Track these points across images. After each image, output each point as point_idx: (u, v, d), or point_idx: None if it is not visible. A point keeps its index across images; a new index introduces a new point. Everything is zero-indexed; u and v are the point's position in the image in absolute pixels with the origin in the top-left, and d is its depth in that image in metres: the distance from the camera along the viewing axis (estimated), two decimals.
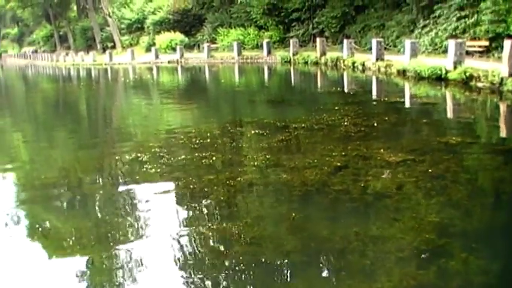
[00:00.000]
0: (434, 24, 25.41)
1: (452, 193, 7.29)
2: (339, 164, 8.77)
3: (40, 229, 7.01)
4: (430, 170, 8.19)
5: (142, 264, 5.70)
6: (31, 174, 10.28)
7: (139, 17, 56.45)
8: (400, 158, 8.90)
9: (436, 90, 18.04)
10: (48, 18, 75.98)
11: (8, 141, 14.56)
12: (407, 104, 16.07)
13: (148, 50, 49.72)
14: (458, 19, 23.52)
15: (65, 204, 8.21)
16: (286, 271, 5.46)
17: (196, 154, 10.10)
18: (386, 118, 12.69)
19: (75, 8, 73.91)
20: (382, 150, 9.46)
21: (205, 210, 7.25)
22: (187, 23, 49.19)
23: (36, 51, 79.55)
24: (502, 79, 16.08)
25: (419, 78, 19.85)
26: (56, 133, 15.20)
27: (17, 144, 14.14)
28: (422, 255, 5.53)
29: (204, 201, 7.55)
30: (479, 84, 17.10)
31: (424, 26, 26.13)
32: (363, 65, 25.36)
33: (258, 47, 39.10)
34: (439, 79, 18.86)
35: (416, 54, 21.93)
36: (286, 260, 5.61)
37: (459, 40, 19.43)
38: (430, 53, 23.85)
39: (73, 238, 6.50)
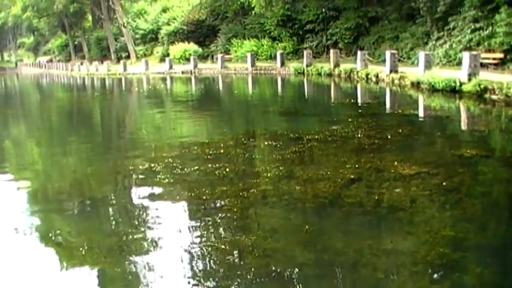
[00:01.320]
0: (448, 36, 25.36)
1: (466, 207, 7.25)
2: (352, 176, 8.74)
3: (52, 239, 7.05)
4: (444, 183, 8.15)
5: (154, 276, 5.70)
6: (45, 183, 10.34)
7: (154, 27, 56.81)
8: (414, 170, 8.86)
9: (450, 102, 17.97)
10: (63, 28, 76.63)
11: (23, 150, 14.67)
12: (421, 116, 16.01)
13: (162, 60, 49.97)
14: (473, 31, 23.47)
15: (77, 213, 8.24)
16: (299, 284, 5.44)
17: (210, 165, 10.12)
18: (400, 130, 12.64)
19: (90, 18, 74.52)
20: (395, 162, 9.42)
21: (218, 222, 7.24)
22: (201, 34, 49.42)
23: (51, 61, 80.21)
24: None
25: (433, 90, 19.78)
26: (70, 142, 15.28)
27: (32, 153, 14.24)
28: (436, 270, 5.49)
29: (217, 213, 7.55)
30: (494, 97, 17.02)
31: (438, 38, 26.09)
32: (377, 76, 25.32)
33: (272, 58, 39.19)
34: (453, 91, 18.79)
35: (431, 66, 21.87)
36: (299, 273, 5.59)
37: (473, 52, 19.38)
38: (444, 65, 23.79)
39: (85, 248, 6.50)
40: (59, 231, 7.39)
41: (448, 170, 9.04)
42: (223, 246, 6.29)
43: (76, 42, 75.69)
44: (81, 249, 6.48)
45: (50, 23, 78.30)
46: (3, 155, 14.06)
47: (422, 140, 12.37)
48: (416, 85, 21.36)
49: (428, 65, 21.71)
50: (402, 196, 7.78)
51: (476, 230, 6.54)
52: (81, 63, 62.69)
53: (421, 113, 16.66)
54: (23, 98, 38.44)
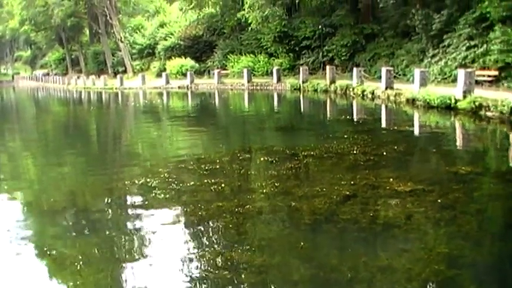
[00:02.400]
0: (443, 53, 25.53)
1: (461, 224, 7.27)
2: (347, 192, 8.76)
3: (47, 252, 7.03)
4: (439, 200, 8.18)
5: None
6: (40, 197, 10.32)
7: (151, 42, 56.98)
8: (409, 187, 8.88)
9: (446, 119, 18.05)
10: (60, 42, 76.78)
11: (18, 164, 14.64)
12: (416, 133, 16.07)
13: (159, 75, 50.08)
14: (468, 48, 23.64)
15: (72, 227, 8.23)
16: None
17: (206, 180, 10.12)
18: (396, 147, 12.68)
19: (87, 32, 74.71)
20: (391, 179, 9.45)
21: (213, 237, 7.25)
22: (198, 49, 49.58)
23: (48, 74, 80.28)
24: (511, 109, 16.07)
25: (428, 107, 19.87)
26: (66, 157, 15.26)
27: (27, 167, 14.22)
28: (431, 287, 5.50)
29: (212, 228, 7.55)
30: (489, 114, 17.10)
31: (434, 55, 26.25)
32: (373, 93, 25.42)
33: (268, 74, 39.30)
34: (448, 108, 18.88)
35: (426, 83, 21.98)
36: None
37: (468, 69, 19.49)
38: (440, 82, 23.92)
39: (79, 262, 6.49)
40: (52, 245, 7.37)
41: (443, 186, 9.07)
42: (218, 262, 6.29)
43: (73, 56, 75.83)
44: (75, 263, 6.47)
45: (48, 37, 78.49)
46: (0, 168, 14.05)
47: (418, 156, 12.42)
48: (412, 102, 21.45)
49: (423, 82, 21.82)
50: (397, 213, 7.80)
51: (472, 247, 6.55)
52: (78, 77, 62.77)
53: (416, 130, 16.72)
54: (19, 112, 38.40)
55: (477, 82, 20.20)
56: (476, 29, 23.97)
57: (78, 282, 6.05)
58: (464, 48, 23.83)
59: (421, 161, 11.86)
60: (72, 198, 9.98)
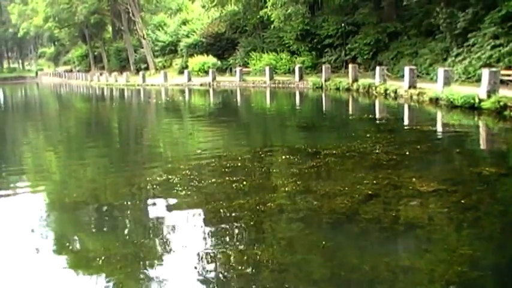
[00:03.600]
0: (468, 52, 25.23)
1: (485, 225, 7.20)
2: (370, 192, 8.71)
3: (69, 247, 7.09)
4: (462, 201, 8.09)
5: (167, 287, 5.72)
6: (62, 192, 10.41)
7: (173, 39, 57.12)
8: (432, 187, 8.80)
9: (469, 119, 17.86)
10: (84, 39, 77.34)
11: (42, 159, 14.79)
12: (439, 133, 15.92)
13: (181, 72, 50.22)
14: (493, 48, 23.34)
15: (94, 223, 8.29)
16: None
17: (227, 178, 10.14)
18: (419, 147, 12.57)
19: (110, 29, 75.18)
20: (414, 179, 9.37)
21: (234, 235, 7.25)
22: (220, 47, 49.60)
23: (71, 71, 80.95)
24: None
25: (452, 106, 19.67)
26: (88, 153, 15.39)
27: (50, 162, 14.36)
28: None
29: (233, 226, 7.55)
30: None
31: (458, 54, 25.96)
32: (395, 92, 25.23)
33: (290, 72, 39.18)
34: (472, 108, 18.67)
35: (450, 82, 21.74)
36: None
37: (493, 69, 19.25)
38: (464, 82, 23.64)
39: (101, 258, 6.53)
40: (75, 240, 7.44)
41: (466, 187, 8.98)
42: (239, 259, 6.29)
43: (96, 53, 76.36)
44: (97, 258, 6.51)
45: (71, 34, 79.09)
46: (24, 164, 14.21)
47: (441, 156, 12.29)
48: (435, 101, 21.26)
49: (447, 81, 21.59)
50: (420, 213, 7.74)
51: (495, 248, 6.48)
52: (101, 74, 63.17)
53: (439, 130, 16.56)
54: (43, 108, 38.80)
55: (502, 82, 19.94)
56: (501, 27, 23.66)
57: (99, 277, 6.08)
58: (489, 47, 23.54)
59: (444, 161, 11.74)
60: (93, 194, 10.05)
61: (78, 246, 7.25)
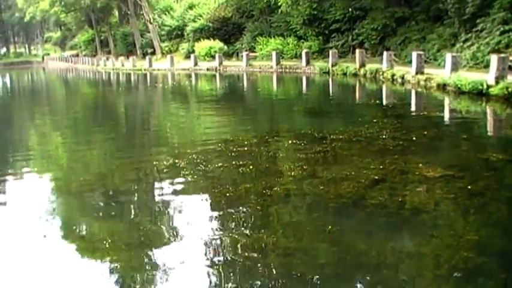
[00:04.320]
0: (476, 38, 25.05)
1: (492, 211, 7.18)
2: (376, 177, 8.69)
3: (76, 232, 7.13)
4: (469, 187, 8.06)
5: (173, 271, 5.74)
6: (69, 177, 10.46)
7: (180, 24, 56.98)
8: (439, 173, 8.77)
9: (477, 105, 17.77)
10: (90, 23, 77.22)
11: (48, 145, 14.84)
12: (446, 119, 15.85)
13: (187, 56, 50.12)
14: (502, 33, 23.16)
15: (100, 206, 8.32)
16: (320, 284, 5.42)
17: (234, 162, 10.14)
18: (425, 132, 12.53)
19: (116, 13, 75.02)
20: (420, 164, 9.35)
21: (240, 219, 7.25)
22: (226, 31, 49.44)
23: (77, 55, 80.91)
24: None
25: (459, 92, 19.57)
26: (95, 137, 15.43)
27: (57, 147, 14.40)
28: (460, 274, 5.44)
29: (239, 210, 7.56)
30: None
31: (466, 40, 25.78)
32: (403, 77, 25.11)
33: (297, 57, 39.03)
34: (480, 94, 18.55)
35: (457, 68, 21.61)
36: (320, 273, 5.58)
37: (502, 55, 19.11)
38: (472, 68, 23.50)
39: (107, 241, 6.57)
40: (81, 224, 7.47)
41: (473, 173, 8.95)
42: (245, 244, 6.30)
43: (102, 38, 76.22)
44: (104, 242, 6.54)
45: (77, 18, 78.97)
46: (31, 149, 14.26)
47: (448, 142, 12.25)
48: (443, 87, 21.14)
49: (455, 67, 21.46)
50: (426, 199, 7.72)
51: (502, 234, 6.47)
52: (107, 58, 63.11)
53: (446, 116, 16.49)
54: (50, 93, 38.90)
55: (510, 68, 19.78)
56: (511, 13, 23.47)
57: (105, 262, 6.11)
58: (498, 32, 23.35)
59: (451, 147, 11.70)
60: (100, 178, 10.08)
61: (84, 230, 7.28)
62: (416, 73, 23.87)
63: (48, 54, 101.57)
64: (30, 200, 8.60)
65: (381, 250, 5.99)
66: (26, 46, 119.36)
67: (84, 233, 7.16)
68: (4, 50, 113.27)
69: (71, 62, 77.17)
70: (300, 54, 37.32)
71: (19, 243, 6.78)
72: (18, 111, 25.70)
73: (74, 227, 7.35)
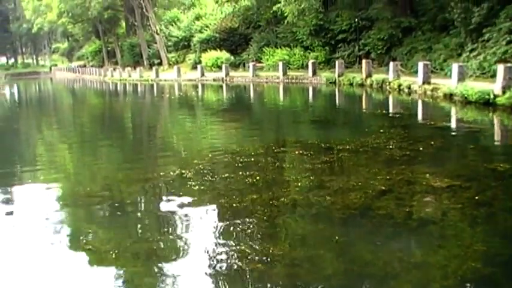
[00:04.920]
0: (482, 47, 25.04)
1: (499, 221, 7.17)
2: (383, 187, 8.69)
3: (82, 241, 7.14)
4: (476, 197, 8.04)
5: (179, 282, 5.75)
6: (76, 186, 10.48)
7: (187, 34, 57.12)
8: (446, 183, 8.76)
9: (484, 115, 17.75)
10: (97, 34, 77.52)
11: (56, 154, 14.89)
12: (453, 129, 15.84)
13: (194, 67, 50.23)
14: (508, 43, 23.14)
15: (107, 217, 8.35)
16: None
17: (240, 173, 10.15)
18: (432, 142, 12.52)
19: (123, 24, 75.30)
20: (427, 175, 9.34)
21: (247, 230, 7.25)
22: (233, 42, 49.56)
23: (84, 66, 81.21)
24: None
25: (466, 102, 19.54)
26: (102, 147, 15.49)
27: (64, 157, 14.46)
28: (467, 284, 5.43)
29: (246, 221, 7.56)
30: None
31: (472, 50, 25.77)
32: (409, 87, 25.11)
33: (303, 67, 39.07)
34: (486, 104, 18.53)
35: (464, 78, 21.59)
36: (327, 284, 5.57)
37: (508, 64, 19.08)
38: (478, 77, 23.47)
39: (114, 252, 6.57)
40: (88, 235, 7.48)
41: (480, 183, 8.93)
42: (251, 255, 6.30)
43: (109, 48, 76.49)
44: (110, 253, 6.55)
45: (84, 29, 79.34)
46: (39, 158, 14.31)
47: (455, 152, 12.24)
48: (449, 97, 21.13)
49: (461, 77, 21.45)
50: (433, 209, 7.72)
51: (509, 245, 6.44)
52: (114, 69, 63.27)
53: (453, 125, 16.49)
54: (57, 103, 39.04)
55: None
56: None
57: (111, 272, 6.12)
58: (504, 42, 23.33)
59: (458, 157, 11.69)
60: (107, 188, 10.11)
61: (91, 240, 7.28)
62: (423, 83, 23.87)
63: (56, 65, 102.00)
64: (37, 210, 8.61)
65: (388, 260, 5.98)
66: (34, 57, 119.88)
67: (90, 243, 7.16)
68: (12, 60, 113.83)
69: (78, 72, 77.46)
70: (307, 65, 37.36)
71: (26, 252, 6.80)
72: (26, 121, 25.80)
73: (81, 237, 7.35)
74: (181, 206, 8.46)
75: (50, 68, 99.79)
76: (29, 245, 7.04)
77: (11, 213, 8.78)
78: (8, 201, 9.67)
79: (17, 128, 22.66)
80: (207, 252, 6.44)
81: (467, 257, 5.96)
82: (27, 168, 12.77)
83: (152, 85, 46.83)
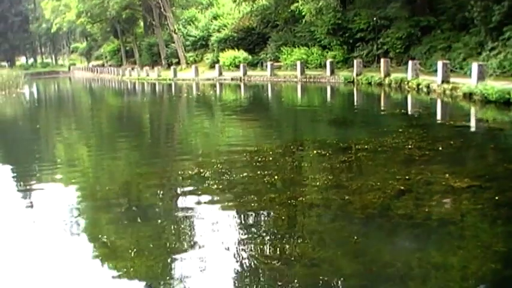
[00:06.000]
0: (503, 46, 24.80)
1: None
2: (402, 187, 8.63)
3: (101, 239, 7.18)
4: (497, 198, 7.97)
5: (197, 280, 5.76)
6: (95, 185, 10.56)
7: (204, 34, 57.23)
8: (466, 184, 8.68)
9: (504, 114, 17.58)
10: (115, 34, 77.95)
11: (74, 153, 15.00)
12: (473, 128, 15.72)
13: (212, 66, 50.30)
14: None
15: (125, 215, 8.38)
16: None
17: (258, 172, 10.15)
18: (452, 142, 12.42)
19: (142, 24, 75.64)
20: (447, 175, 9.26)
21: (265, 229, 7.25)
22: (251, 41, 49.58)
23: (103, 65, 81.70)
24: None
25: (486, 101, 19.36)
26: (120, 146, 15.57)
27: (83, 156, 14.55)
28: (487, 286, 5.38)
29: (264, 220, 7.56)
30: None
31: (493, 48, 25.53)
32: (428, 87, 24.94)
33: (321, 66, 38.97)
34: (507, 103, 18.35)
35: (484, 77, 21.40)
36: (346, 284, 5.55)
37: None
38: (499, 76, 23.25)
39: (133, 250, 6.60)
40: (106, 233, 7.51)
41: (501, 184, 8.85)
42: (270, 254, 6.30)
43: (127, 48, 76.86)
44: (129, 250, 6.58)
45: (103, 29, 79.76)
46: (58, 157, 14.42)
47: (475, 152, 12.14)
48: (469, 96, 20.94)
49: (481, 76, 21.26)
50: (453, 209, 7.66)
51: None
52: (132, 69, 63.58)
53: (473, 125, 16.36)
54: (75, 102, 39.34)
55: None
56: None
57: (130, 270, 6.14)
58: None
59: (478, 157, 11.59)
60: (125, 187, 10.16)
61: (109, 237, 7.32)
62: (442, 82, 23.69)
63: (74, 64, 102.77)
64: (56, 207, 8.69)
65: (407, 261, 5.95)
66: (53, 56, 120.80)
67: (108, 240, 7.20)
68: (31, 60, 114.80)
69: (97, 72, 77.92)
70: (325, 64, 37.22)
71: (44, 248, 6.86)
72: (45, 120, 26.02)
73: (98, 234, 7.40)
74: (199, 204, 8.48)
75: (69, 68, 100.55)
76: (49, 241, 7.10)
77: (30, 211, 8.88)
78: (28, 198, 9.78)
79: (37, 127, 22.85)
80: (225, 251, 6.45)
81: (487, 258, 5.90)
82: (46, 167, 12.87)
83: (170, 84, 46.99)
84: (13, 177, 12.03)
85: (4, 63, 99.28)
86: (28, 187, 10.62)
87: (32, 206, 9.30)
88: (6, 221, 8.32)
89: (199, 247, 6.72)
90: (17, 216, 8.52)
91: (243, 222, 7.62)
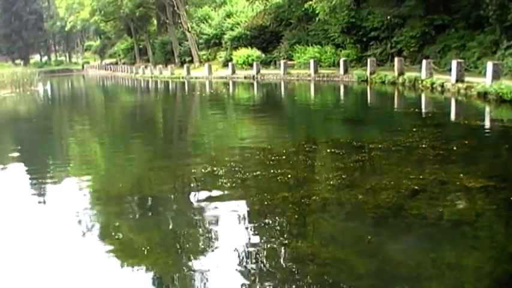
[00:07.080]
0: None
1: None
2: (416, 187, 8.59)
3: (114, 236, 7.21)
4: (511, 198, 7.91)
5: (209, 279, 5.77)
6: (108, 182, 10.61)
7: (218, 32, 57.25)
8: (480, 183, 8.63)
9: None
10: (129, 32, 78.22)
11: (88, 150, 15.08)
12: (488, 128, 15.60)
13: (225, 65, 50.31)
14: None
15: (138, 213, 8.43)
16: None
17: (271, 170, 10.14)
18: (466, 142, 12.35)
19: (155, 22, 75.85)
20: (461, 175, 9.20)
21: (278, 228, 7.25)
22: (264, 40, 49.53)
23: (116, 63, 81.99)
24: None
25: (501, 101, 19.21)
26: (133, 144, 15.63)
27: (96, 153, 14.62)
28: (502, 287, 5.34)
29: (277, 219, 7.55)
30: None
31: (508, 47, 25.34)
32: (442, 86, 24.80)
33: (335, 65, 38.86)
34: None
35: (499, 76, 21.25)
36: (359, 284, 5.54)
37: None
38: None
39: (144, 247, 6.62)
40: (119, 229, 7.55)
41: None
42: (283, 253, 6.30)
43: (141, 46, 77.11)
44: (141, 248, 6.60)
45: (116, 27, 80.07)
46: (72, 154, 14.50)
47: (489, 152, 12.06)
48: (483, 95, 20.80)
49: (496, 75, 21.10)
50: (467, 209, 7.61)
51: None
52: (146, 67, 63.75)
53: (488, 125, 16.24)
54: (89, 100, 39.52)
55: None
56: None
57: (141, 267, 6.17)
58: None
59: (493, 157, 11.51)
60: (138, 184, 10.21)
61: (122, 235, 7.35)
62: (456, 81, 23.54)
63: (88, 62, 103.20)
64: (69, 205, 8.74)
65: (420, 261, 5.92)
66: (67, 54, 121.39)
67: (120, 237, 7.23)
68: (45, 58, 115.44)
69: (110, 70, 78.21)
70: (338, 63, 37.11)
71: (57, 245, 6.91)
72: (59, 118, 26.18)
73: (111, 232, 7.43)
74: (212, 202, 8.49)
75: (82, 66, 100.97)
76: (62, 239, 7.14)
77: (44, 208, 8.94)
78: (42, 193, 9.87)
79: (51, 125, 22.98)
80: (237, 249, 6.45)
81: (502, 259, 5.87)
82: (60, 164, 12.96)
83: (183, 82, 47.08)
84: (28, 172, 12.13)
85: (18, 61, 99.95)
86: (42, 183, 10.72)
87: (44, 202, 9.39)
88: (20, 215, 8.41)
89: (211, 246, 6.73)
90: (31, 211, 8.61)
91: (255, 220, 7.62)
